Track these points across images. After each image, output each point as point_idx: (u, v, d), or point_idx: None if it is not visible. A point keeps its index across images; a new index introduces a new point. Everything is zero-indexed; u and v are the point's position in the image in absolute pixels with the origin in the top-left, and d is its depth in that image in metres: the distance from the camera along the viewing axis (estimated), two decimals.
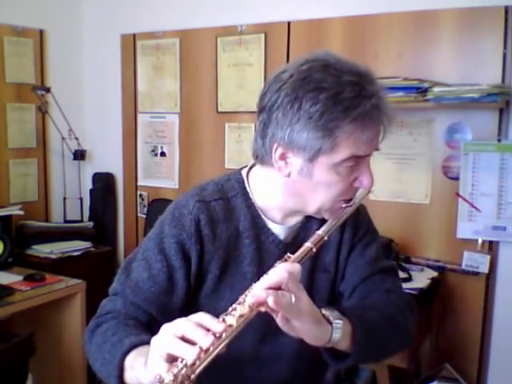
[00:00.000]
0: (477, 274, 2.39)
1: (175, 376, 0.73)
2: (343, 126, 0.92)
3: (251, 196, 1.09)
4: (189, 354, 0.75)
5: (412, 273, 2.29)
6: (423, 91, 2.25)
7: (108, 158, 3.43)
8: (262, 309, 0.82)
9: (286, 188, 1.03)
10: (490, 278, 2.40)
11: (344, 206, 1.02)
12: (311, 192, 1.00)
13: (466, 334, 2.46)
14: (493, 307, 2.43)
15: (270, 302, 0.80)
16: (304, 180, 0.99)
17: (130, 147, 3.35)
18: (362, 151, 0.96)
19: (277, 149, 0.98)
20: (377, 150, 1.01)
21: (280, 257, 0.97)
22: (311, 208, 1.03)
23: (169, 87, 3.17)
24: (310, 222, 1.10)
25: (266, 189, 1.08)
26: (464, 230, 2.40)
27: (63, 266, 2.82)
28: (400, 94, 2.27)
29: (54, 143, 3.26)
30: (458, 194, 2.41)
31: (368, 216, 1.20)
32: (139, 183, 3.33)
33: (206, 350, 0.75)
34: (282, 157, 0.99)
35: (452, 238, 2.43)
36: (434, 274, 2.38)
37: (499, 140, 2.33)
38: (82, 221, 3.29)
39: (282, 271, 0.84)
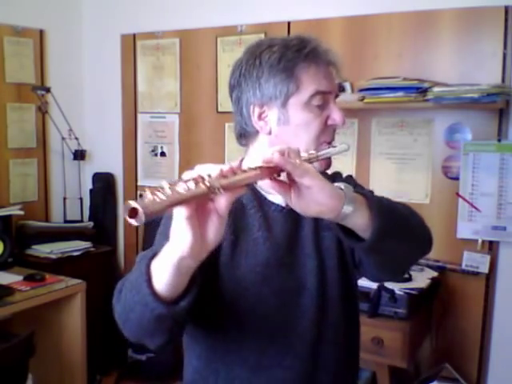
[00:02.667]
0: (477, 274, 2.39)
1: (208, 184, 0.73)
2: (299, 62, 1.06)
3: None
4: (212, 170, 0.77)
5: (412, 273, 2.29)
6: (423, 91, 2.25)
7: (108, 158, 3.43)
8: (272, 186, 0.85)
9: (272, 146, 1.07)
10: (490, 277, 2.40)
11: (327, 146, 1.10)
12: (294, 137, 1.08)
13: (466, 334, 2.46)
14: (493, 307, 2.43)
15: (276, 156, 0.83)
16: (284, 129, 1.08)
17: (130, 147, 3.35)
18: (323, 86, 1.07)
19: (254, 110, 1.09)
20: (337, 95, 1.12)
21: (285, 222, 1.10)
22: None
23: (169, 87, 3.17)
24: None
25: (256, 162, 1.11)
26: (464, 230, 2.41)
27: (63, 266, 2.82)
28: (400, 93, 2.27)
29: (54, 143, 3.26)
30: (458, 194, 2.42)
31: (356, 181, 1.25)
32: (139, 183, 3.33)
33: (225, 176, 0.77)
34: (260, 116, 1.09)
35: (452, 238, 2.43)
36: (434, 273, 2.38)
37: (499, 140, 2.33)
38: (82, 221, 3.29)
39: (282, 146, 0.89)
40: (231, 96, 1.14)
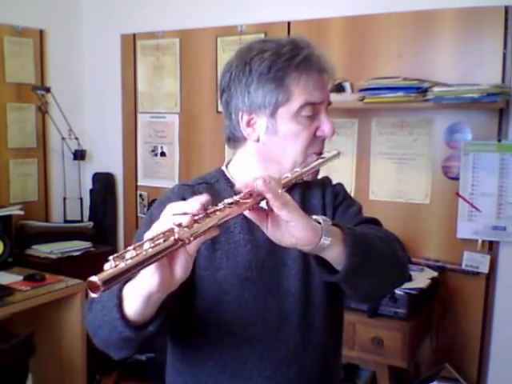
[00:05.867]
0: (477, 273, 2.39)
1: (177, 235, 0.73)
2: (290, 72, 1.03)
3: (232, 180, 1.15)
4: (184, 218, 0.76)
5: (412, 273, 2.29)
6: (423, 91, 2.25)
7: (108, 158, 3.43)
8: (249, 215, 0.85)
9: (259, 155, 1.10)
10: (490, 278, 2.40)
11: (316, 158, 1.09)
12: (282, 148, 1.07)
13: (466, 334, 2.46)
14: (493, 307, 2.43)
15: (259, 184, 0.83)
16: (272, 138, 1.07)
17: (130, 147, 3.35)
18: (314, 97, 1.05)
19: (242, 117, 1.07)
20: (330, 103, 1.09)
21: None
22: (286, 166, 1.07)
23: (169, 87, 3.17)
24: (292, 191, 1.12)
25: (243, 167, 1.14)
26: (464, 230, 2.41)
27: (63, 266, 2.82)
28: (400, 93, 2.27)
29: (54, 143, 3.26)
30: (458, 194, 2.41)
31: (345, 190, 1.23)
32: (139, 183, 3.33)
33: (197, 220, 0.76)
34: (249, 123, 1.08)
35: (452, 237, 2.43)
36: (434, 274, 2.38)
37: (499, 140, 2.33)
38: (82, 221, 3.29)
39: (264, 175, 0.88)
40: (221, 98, 1.12)
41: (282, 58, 1.03)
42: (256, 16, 2.82)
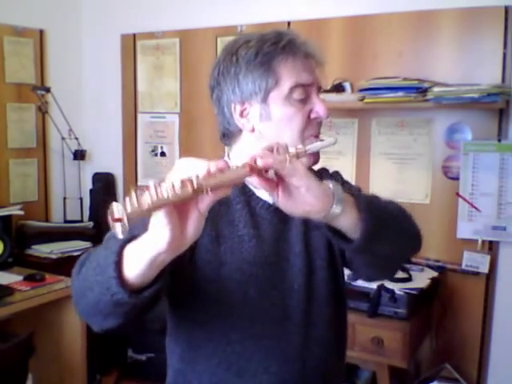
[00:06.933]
0: (477, 274, 2.39)
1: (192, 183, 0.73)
2: (276, 55, 1.03)
3: None
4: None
5: (412, 273, 2.29)
6: (423, 91, 2.25)
7: (108, 158, 3.43)
8: (259, 183, 0.84)
9: (256, 144, 1.07)
10: (490, 277, 2.40)
11: (315, 141, 1.07)
12: (278, 133, 1.05)
13: (466, 333, 2.46)
14: (493, 307, 2.43)
15: (259, 162, 0.82)
16: (267, 125, 1.06)
17: (130, 147, 3.35)
18: (304, 79, 1.04)
19: (235, 108, 1.06)
20: (320, 88, 1.08)
21: (273, 220, 1.08)
22: None
23: (169, 87, 3.17)
24: None
25: (242, 158, 1.11)
26: (464, 230, 2.41)
27: (63, 265, 2.81)
28: (400, 93, 2.27)
29: (54, 143, 3.26)
30: (458, 194, 2.41)
31: (342, 176, 1.25)
32: (139, 183, 3.33)
33: (211, 175, 0.76)
34: (242, 114, 1.07)
35: (452, 238, 2.43)
36: (434, 273, 2.38)
37: (499, 140, 2.33)
38: (81, 221, 3.29)
39: (270, 142, 0.88)
40: (212, 97, 1.11)
41: (268, 43, 1.03)
42: (256, 16, 2.81)
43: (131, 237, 0.83)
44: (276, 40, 1.04)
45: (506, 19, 2.26)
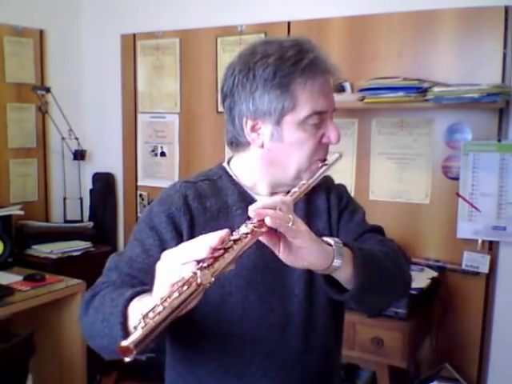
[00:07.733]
0: (477, 273, 2.39)
1: (194, 273, 0.73)
2: (295, 78, 1.01)
3: (235, 178, 1.14)
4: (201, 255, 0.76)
5: (412, 273, 2.26)
6: (423, 91, 2.25)
7: (108, 158, 3.43)
8: (261, 238, 0.85)
9: (263, 160, 1.08)
10: (490, 277, 2.40)
11: (320, 165, 1.09)
12: (287, 155, 1.06)
13: (466, 334, 2.46)
14: (493, 307, 2.43)
15: (268, 220, 0.83)
16: (277, 145, 1.05)
17: (130, 147, 3.35)
18: (320, 106, 1.03)
19: (246, 122, 1.05)
20: (334, 110, 1.08)
21: None
22: (291, 172, 1.07)
23: (169, 87, 3.17)
24: None
25: (246, 168, 1.13)
26: (464, 230, 2.41)
27: (63, 265, 2.82)
28: (400, 93, 2.27)
29: (54, 143, 3.26)
30: (458, 194, 2.41)
31: (348, 192, 1.24)
32: (139, 183, 3.33)
33: (217, 258, 0.76)
34: (253, 129, 1.06)
35: (452, 237, 2.43)
36: (434, 274, 2.38)
37: (499, 140, 2.33)
38: (82, 221, 3.29)
39: (275, 198, 0.90)
40: (223, 103, 1.10)
41: (287, 63, 1.00)
42: (256, 16, 2.82)
43: (135, 293, 0.87)
44: (296, 60, 1.01)
45: (506, 19, 2.26)
